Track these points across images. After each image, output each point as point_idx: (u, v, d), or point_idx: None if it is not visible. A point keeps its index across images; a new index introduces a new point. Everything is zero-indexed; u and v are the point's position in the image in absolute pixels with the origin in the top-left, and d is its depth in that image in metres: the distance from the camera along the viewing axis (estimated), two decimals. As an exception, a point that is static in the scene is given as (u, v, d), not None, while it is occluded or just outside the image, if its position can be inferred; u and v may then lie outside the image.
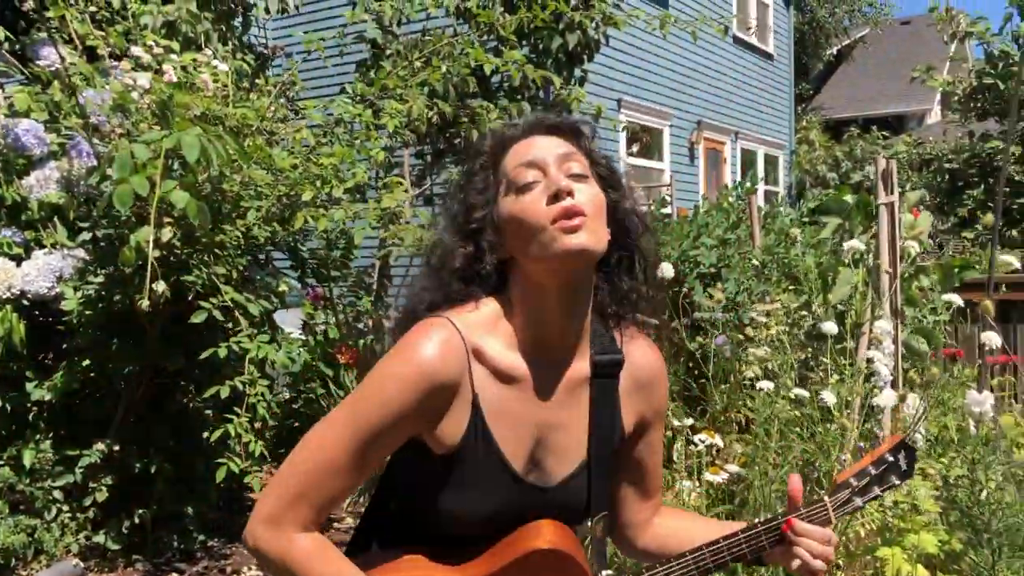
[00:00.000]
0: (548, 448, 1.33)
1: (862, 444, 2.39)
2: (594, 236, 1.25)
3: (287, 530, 1.27)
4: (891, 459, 1.45)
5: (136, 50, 3.52)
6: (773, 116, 16.52)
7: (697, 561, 1.34)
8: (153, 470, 4.12)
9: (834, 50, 24.56)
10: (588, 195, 1.27)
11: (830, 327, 2.55)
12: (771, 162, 16.43)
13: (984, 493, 2.06)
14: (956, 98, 11.63)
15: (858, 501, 1.43)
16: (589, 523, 1.38)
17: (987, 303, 2.29)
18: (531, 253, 1.26)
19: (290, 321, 6.07)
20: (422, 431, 1.29)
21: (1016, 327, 5.21)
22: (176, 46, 4.24)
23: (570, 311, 1.30)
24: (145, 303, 2.89)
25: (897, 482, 1.45)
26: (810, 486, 2.53)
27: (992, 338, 2.15)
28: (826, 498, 1.41)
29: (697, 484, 2.53)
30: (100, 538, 4.05)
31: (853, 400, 2.48)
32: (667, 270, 2.93)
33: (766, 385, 2.40)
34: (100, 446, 4.00)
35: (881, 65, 23.68)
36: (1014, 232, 10.93)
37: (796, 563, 1.34)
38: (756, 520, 1.42)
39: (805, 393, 2.43)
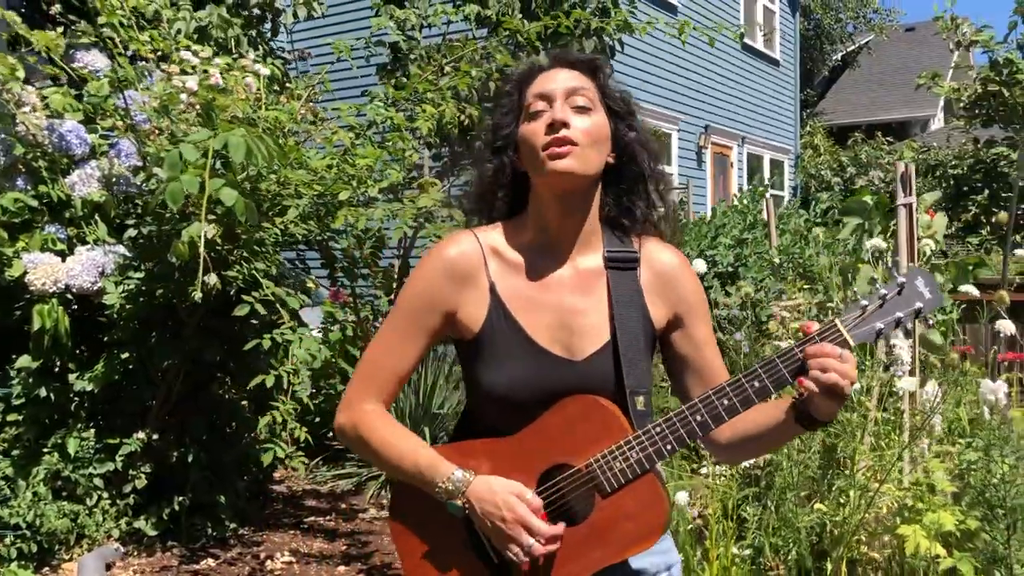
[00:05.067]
0: (571, 330, 1.51)
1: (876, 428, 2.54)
2: (580, 161, 1.48)
3: (358, 406, 1.58)
4: (904, 282, 1.40)
5: (185, 54, 3.67)
6: (779, 121, 16.67)
7: (720, 396, 1.41)
8: (190, 459, 4.27)
9: (838, 56, 24.72)
10: (586, 126, 1.49)
11: (852, 320, 2.68)
12: (777, 167, 16.58)
13: (1000, 472, 2.20)
14: (961, 104, 11.75)
15: (878, 324, 1.39)
16: (637, 399, 1.47)
17: (1002, 294, 2.41)
18: (532, 169, 1.52)
19: (309, 320, 6.22)
20: (451, 321, 1.55)
21: None
22: (209, 51, 4.40)
23: (567, 216, 1.53)
24: (198, 295, 3.04)
25: (920, 306, 1.40)
26: (833, 470, 2.69)
27: (1007, 326, 2.29)
28: (836, 320, 1.41)
29: (726, 468, 2.67)
30: (140, 524, 4.20)
31: (873, 387, 2.62)
32: (699, 265, 3.07)
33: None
34: (140, 435, 4.16)
35: (885, 71, 23.83)
36: (1017, 237, 11.06)
37: (813, 383, 1.35)
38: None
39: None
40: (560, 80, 1.54)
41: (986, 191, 11.84)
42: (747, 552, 2.65)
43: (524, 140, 1.53)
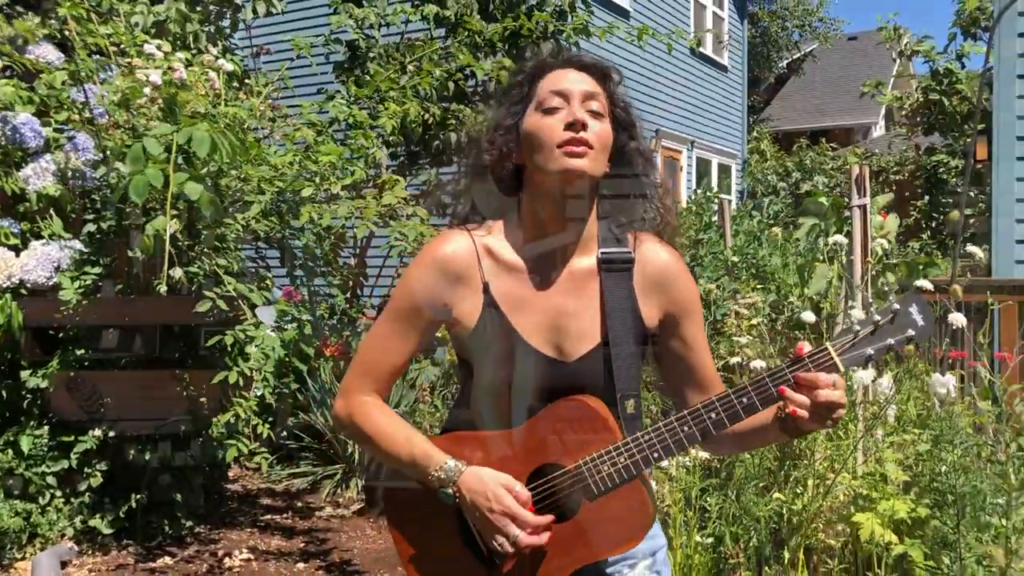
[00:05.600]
0: (563, 331, 1.54)
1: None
2: (593, 164, 1.50)
3: (354, 396, 1.61)
4: (898, 308, 1.43)
5: (149, 47, 3.65)
6: (727, 126, 16.94)
7: (708, 410, 1.45)
8: (146, 457, 4.23)
9: (784, 63, 25.19)
10: (598, 131, 1.52)
11: (808, 316, 2.80)
12: (724, 171, 16.85)
13: (950, 459, 2.31)
14: (903, 112, 12.10)
15: (868, 349, 1.42)
16: (627, 402, 1.50)
17: (956, 287, 2.52)
18: (538, 164, 1.52)
19: (262, 319, 6.17)
20: (446, 317, 1.57)
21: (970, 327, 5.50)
22: (167, 46, 4.36)
23: (564, 217, 1.54)
24: (163, 288, 3.03)
25: (913, 333, 1.43)
26: (788, 462, 2.78)
27: (958, 318, 2.39)
28: (828, 344, 1.44)
29: (687, 460, 2.75)
30: (95, 522, 4.15)
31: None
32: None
33: (759, 365, 2.63)
34: (95, 433, 4.10)
35: (829, 79, 24.35)
36: (951, 242, 11.38)
37: (803, 410, 1.40)
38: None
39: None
40: (577, 81, 1.55)
41: (926, 197, 12.17)
42: (709, 540, 2.74)
43: (534, 133, 1.53)
